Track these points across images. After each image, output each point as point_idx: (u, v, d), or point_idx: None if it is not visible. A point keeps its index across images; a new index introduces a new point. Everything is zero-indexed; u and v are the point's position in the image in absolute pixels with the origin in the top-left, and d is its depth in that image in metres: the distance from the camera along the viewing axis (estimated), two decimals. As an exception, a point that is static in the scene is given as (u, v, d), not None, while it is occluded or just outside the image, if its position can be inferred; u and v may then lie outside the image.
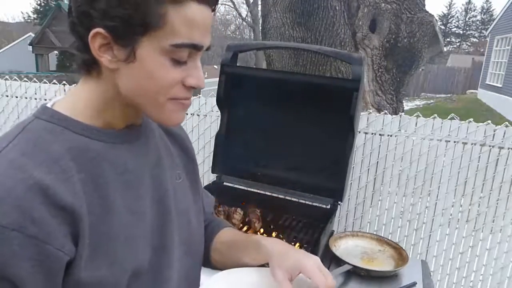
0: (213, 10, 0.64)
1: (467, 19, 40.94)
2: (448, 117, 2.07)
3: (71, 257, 0.56)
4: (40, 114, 0.62)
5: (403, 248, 1.51)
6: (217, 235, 0.92)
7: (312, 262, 0.74)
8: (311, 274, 0.72)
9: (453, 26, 41.43)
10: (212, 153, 1.81)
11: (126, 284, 0.63)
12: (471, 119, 2.01)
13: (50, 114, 0.62)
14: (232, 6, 20.81)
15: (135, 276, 0.64)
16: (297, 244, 1.50)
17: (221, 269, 0.89)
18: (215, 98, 1.77)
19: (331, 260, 1.44)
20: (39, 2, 23.91)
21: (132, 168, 0.67)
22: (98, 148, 0.63)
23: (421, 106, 13.58)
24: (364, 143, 2.11)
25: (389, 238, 1.66)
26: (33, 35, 15.27)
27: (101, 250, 0.60)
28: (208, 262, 0.91)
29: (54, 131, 0.60)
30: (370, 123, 2.09)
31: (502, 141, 1.96)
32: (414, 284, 1.34)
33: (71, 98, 0.66)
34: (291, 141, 1.75)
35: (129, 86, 0.62)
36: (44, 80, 2.71)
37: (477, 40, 39.27)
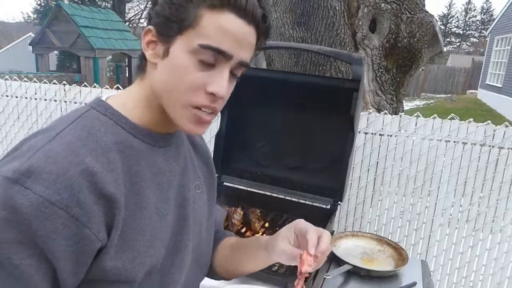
0: (258, 30, 0.67)
1: (467, 19, 40.95)
2: (448, 117, 2.06)
3: (103, 244, 0.59)
4: (96, 106, 0.67)
5: (403, 248, 1.51)
6: (221, 242, 0.95)
7: (309, 224, 0.77)
8: (308, 228, 0.75)
9: (453, 26, 41.46)
10: (212, 153, 1.81)
11: (140, 280, 0.66)
12: (471, 119, 2.01)
13: (104, 107, 0.66)
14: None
15: (148, 274, 0.67)
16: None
17: (223, 275, 0.91)
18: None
19: (331, 260, 1.44)
20: (39, 2, 23.91)
21: (164, 171, 0.70)
22: (140, 147, 0.67)
23: (421, 106, 13.58)
24: (364, 143, 2.11)
25: (389, 238, 1.66)
26: (33, 35, 15.25)
27: (128, 243, 0.63)
28: (212, 270, 0.92)
29: (106, 123, 0.64)
30: (370, 123, 2.09)
31: (502, 141, 1.96)
32: (414, 284, 1.34)
33: (123, 96, 0.70)
34: (291, 141, 1.75)
35: (159, 81, 0.66)
36: (44, 80, 2.71)
37: (477, 40, 39.27)
